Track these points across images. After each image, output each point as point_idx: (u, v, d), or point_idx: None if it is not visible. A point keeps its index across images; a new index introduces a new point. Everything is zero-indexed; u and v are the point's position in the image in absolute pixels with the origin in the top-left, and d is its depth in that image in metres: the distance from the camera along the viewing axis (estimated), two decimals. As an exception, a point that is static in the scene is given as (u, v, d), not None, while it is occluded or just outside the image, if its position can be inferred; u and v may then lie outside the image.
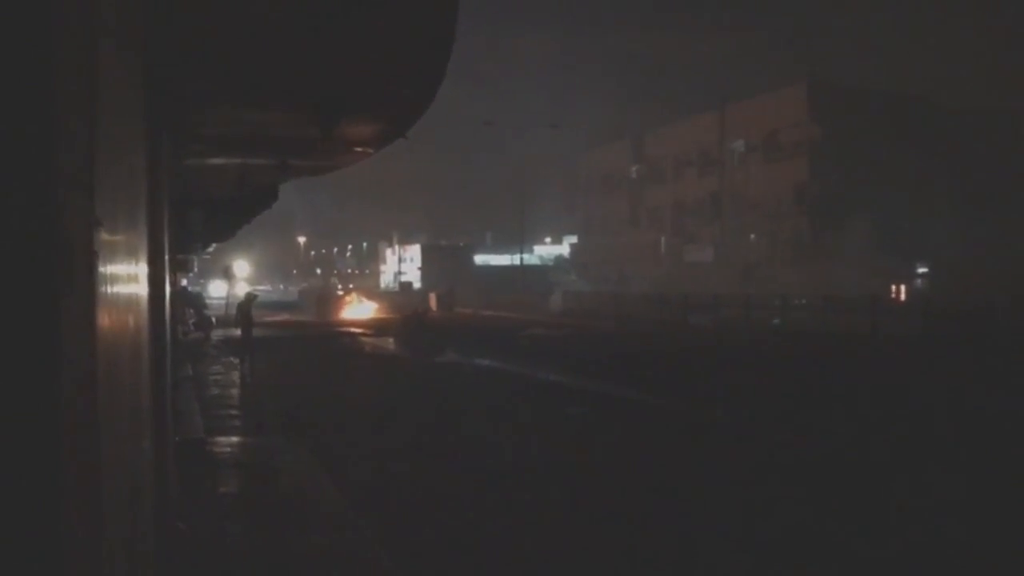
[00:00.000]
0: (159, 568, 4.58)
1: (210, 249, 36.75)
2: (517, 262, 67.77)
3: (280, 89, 5.23)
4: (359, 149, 7.43)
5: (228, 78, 4.93)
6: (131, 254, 2.49)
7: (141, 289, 2.79)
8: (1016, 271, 28.91)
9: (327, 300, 52.23)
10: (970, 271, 32.53)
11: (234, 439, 12.05)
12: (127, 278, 2.25)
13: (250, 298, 22.30)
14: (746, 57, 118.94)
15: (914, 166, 43.84)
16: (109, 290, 1.92)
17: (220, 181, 10.30)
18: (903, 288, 39.88)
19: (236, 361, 22.03)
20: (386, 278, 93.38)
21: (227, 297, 38.78)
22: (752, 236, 53.33)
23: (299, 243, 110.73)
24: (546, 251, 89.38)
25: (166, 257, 5.46)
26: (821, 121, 47.36)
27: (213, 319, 34.03)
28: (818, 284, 36.43)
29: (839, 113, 46.73)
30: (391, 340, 30.53)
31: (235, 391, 17.36)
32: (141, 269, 2.85)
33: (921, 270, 43.34)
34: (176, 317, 16.59)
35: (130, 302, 2.47)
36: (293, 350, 27.00)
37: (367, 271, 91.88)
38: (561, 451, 11.37)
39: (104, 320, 1.83)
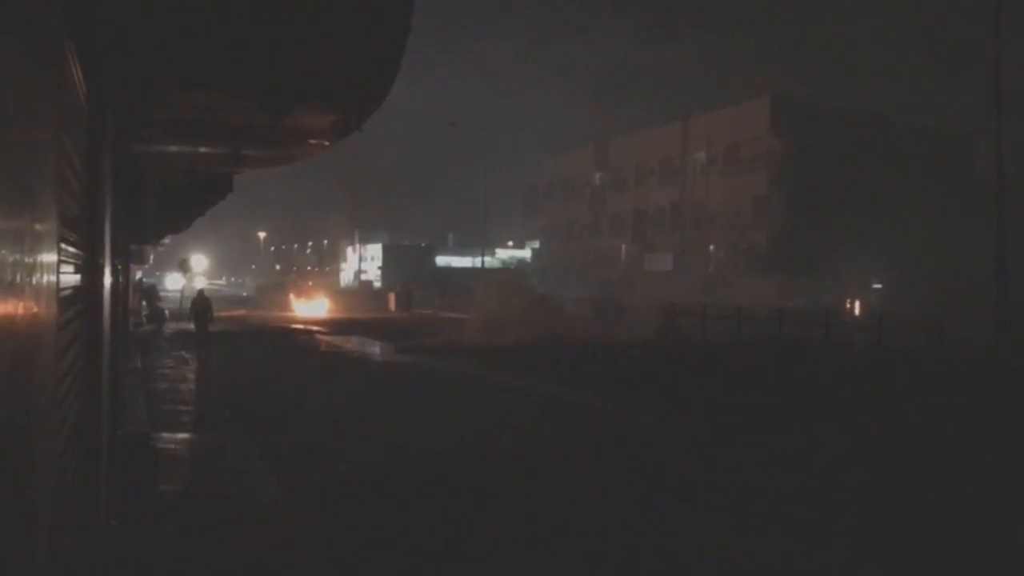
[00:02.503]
0: (85, 565, 4.37)
1: (166, 241, 36.19)
2: (479, 264, 67.64)
3: (227, 71, 5.04)
4: (314, 141, 7.24)
5: (172, 57, 4.74)
6: (38, 241, 2.30)
7: (50, 278, 2.59)
8: (968, 287, 29.40)
9: (282, 296, 51.73)
10: (923, 286, 33.05)
11: (181, 435, 11.78)
12: (28, 266, 2.07)
13: (203, 293, 21.95)
14: (712, 69, 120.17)
15: (871, 182, 44.54)
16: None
17: (173, 169, 10.02)
18: (857, 303, 40.39)
19: (188, 355, 21.65)
20: (347, 276, 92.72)
21: (182, 290, 38.17)
22: (711, 247, 53.81)
23: (259, 238, 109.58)
24: (509, 255, 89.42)
25: (107, 246, 5.24)
26: (782, 135, 47.98)
27: (166, 312, 33.51)
28: (774, 296, 36.80)
29: (800, 128, 47.38)
30: (342, 338, 30.34)
31: (185, 385, 17.01)
32: (51, 257, 2.65)
33: (876, 285, 43.99)
34: (127, 309, 16.23)
35: (39, 291, 2.28)
36: (246, 345, 26.63)
37: (327, 269, 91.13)
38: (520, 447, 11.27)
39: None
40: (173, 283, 60.70)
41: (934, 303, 28.01)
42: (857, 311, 39.08)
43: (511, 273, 48.95)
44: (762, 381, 18.42)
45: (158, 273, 70.29)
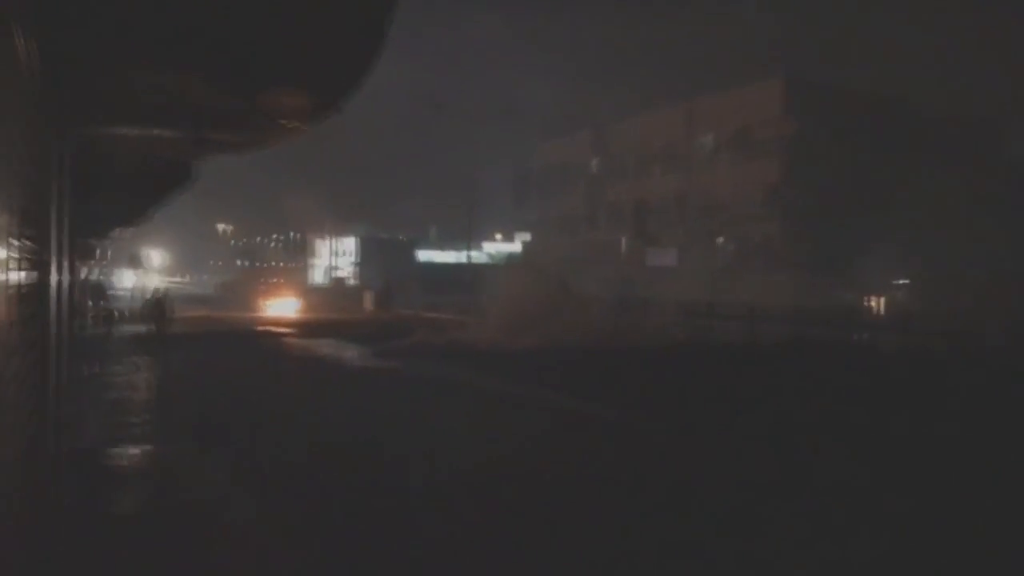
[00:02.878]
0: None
1: (118, 234, 35.92)
2: (464, 260, 67.55)
3: (194, 47, 4.93)
4: (289, 124, 7.13)
5: (132, 31, 4.63)
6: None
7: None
8: (1000, 284, 29.50)
9: (247, 294, 51.59)
10: (950, 284, 33.15)
11: (136, 450, 11.65)
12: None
13: (161, 292, 21.78)
14: (720, 49, 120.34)
15: (893, 170, 44.66)
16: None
17: (129, 155, 9.90)
18: (881, 301, 40.50)
19: (142, 361, 21.50)
20: (318, 273, 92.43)
21: (135, 288, 37.94)
22: (719, 240, 53.88)
23: (221, 231, 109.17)
24: (497, 249, 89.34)
25: (53, 240, 5.13)
26: (796, 119, 48.02)
27: (117, 313, 33.30)
28: (788, 294, 36.85)
29: (816, 112, 47.44)
30: (315, 341, 30.23)
31: (140, 395, 16.87)
32: None
33: (899, 281, 44.10)
34: (73, 310, 16.08)
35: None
36: (207, 349, 26.47)
37: (293, 264, 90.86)
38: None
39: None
40: (126, 281, 60.41)
41: (965, 301, 28.08)
42: (881, 309, 39.27)
43: (529, 260, 48.23)
44: (863, 395, 18.08)
45: (109, 270, 69.93)
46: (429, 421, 14.70)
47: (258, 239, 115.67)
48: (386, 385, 19.69)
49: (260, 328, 36.49)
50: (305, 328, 36.67)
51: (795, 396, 17.79)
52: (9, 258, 3.44)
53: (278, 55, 5.02)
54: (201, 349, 26.30)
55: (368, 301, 53.13)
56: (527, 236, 78.42)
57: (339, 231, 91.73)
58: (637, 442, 13.28)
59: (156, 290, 22.03)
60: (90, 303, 32.63)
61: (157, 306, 20.96)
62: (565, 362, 23.23)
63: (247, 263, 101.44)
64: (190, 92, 5.92)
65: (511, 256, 77.45)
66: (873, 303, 40.15)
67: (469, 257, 65.51)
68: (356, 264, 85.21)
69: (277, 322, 40.15)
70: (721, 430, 14.17)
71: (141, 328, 26.18)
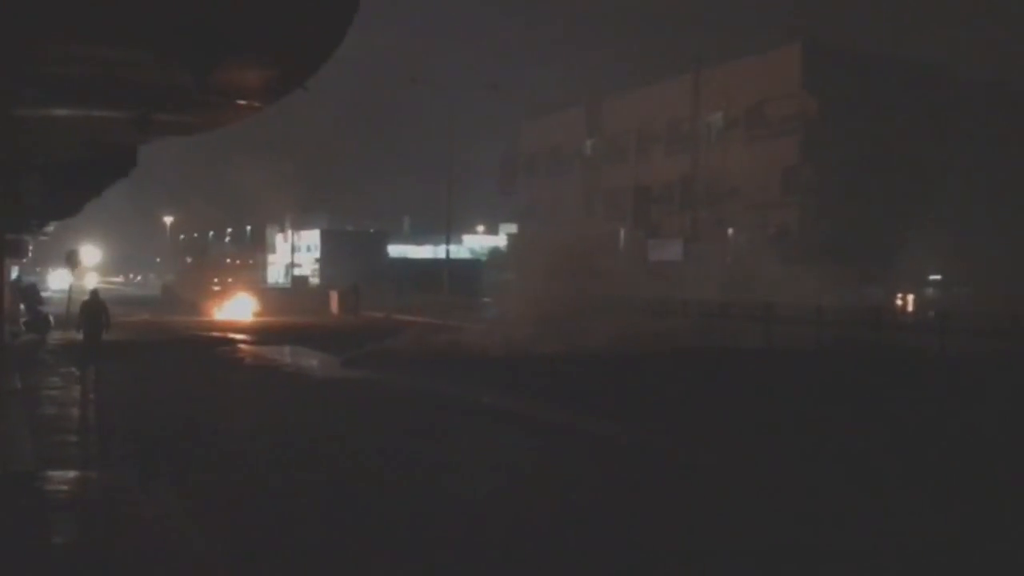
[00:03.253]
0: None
1: (50, 228, 35.79)
2: (442, 255, 67.45)
3: (140, 17, 4.91)
4: (244, 103, 7.11)
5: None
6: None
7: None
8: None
9: (195, 296, 51.49)
10: (997, 277, 33.33)
11: (75, 473, 11.66)
12: None
13: (97, 295, 21.53)
14: (730, 11, 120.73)
15: (927, 148, 44.85)
16: None
17: (64, 140, 9.87)
18: (911, 298, 40.74)
19: (80, 372, 21.42)
20: (276, 271, 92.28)
21: (70, 290, 37.75)
22: (730, 230, 54.01)
23: (165, 224, 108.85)
24: (479, 242, 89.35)
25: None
26: (817, 91, 48.10)
27: (51, 317, 33.15)
28: (808, 291, 37.01)
29: (839, 82, 47.52)
30: (273, 349, 30.22)
31: (78, 410, 16.84)
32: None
33: (933, 277, 44.34)
34: (2, 314, 16.04)
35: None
36: (151, 360, 26.40)
37: (248, 261, 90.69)
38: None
39: None
40: (59, 281, 60.19)
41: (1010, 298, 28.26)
42: (911, 307, 39.51)
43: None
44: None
45: (39, 269, 69.67)
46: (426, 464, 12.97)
47: (210, 233, 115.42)
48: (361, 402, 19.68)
49: (211, 334, 36.36)
50: (262, 334, 36.55)
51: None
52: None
53: (234, 22, 5.00)
54: (145, 360, 26.21)
55: (333, 303, 53.02)
56: (513, 228, 78.49)
57: (300, 223, 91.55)
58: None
59: (94, 292, 21.83)
60: (22, 307, 32.48)
61: (92, 311, 20.73)
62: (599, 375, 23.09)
63: (195, 260, 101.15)
64: (135, 68, 5.90)
65: (492, 251, 77.55)
66: (901, 301, 40.36)
67: (448, 252, 65.37)
68: (319, 260, 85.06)
69: (230, 327, 40.00)
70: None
71: (76, 335, 26.10)
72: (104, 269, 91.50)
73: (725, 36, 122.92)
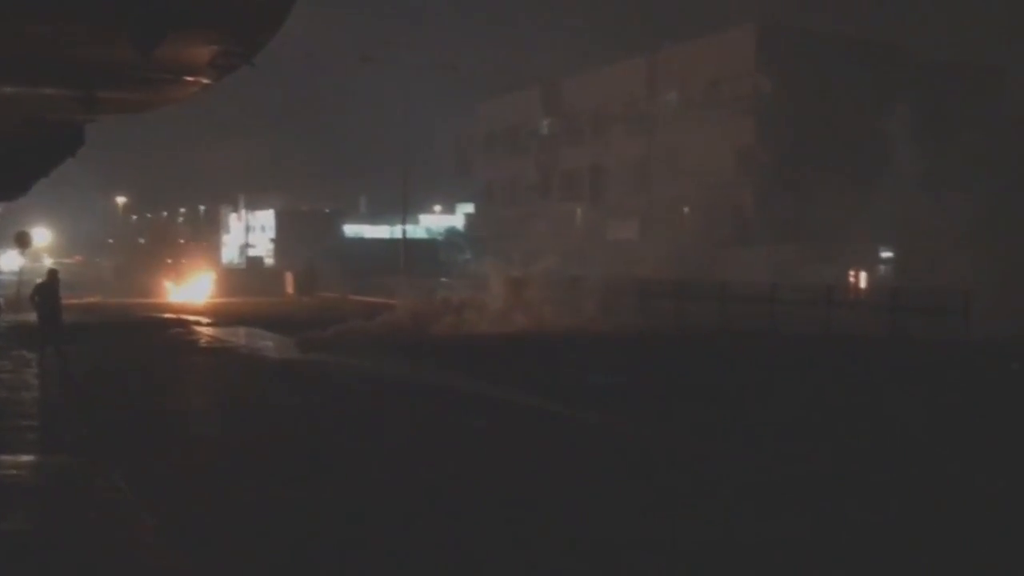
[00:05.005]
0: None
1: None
2: (398, 235, 67.23)
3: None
4: (191, 78, 7.00)
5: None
6: None
7: None
8: (999, 251, 30.04)
9: (147, 277, 51.07)
10: (945, 255, 33.70)
11: (25, 458, 11.54)
12: None
13: (54, 275, 21.11)
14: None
15: (880, 128, 45.22)
16: None
17: (6, 117, 9.67)
18: (863, 275, 41.16)
19: (31, 355, 21.15)
20: (230, 252, 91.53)
21: (20, 272, 37.29)
22: (686, 209, 54.20)
23: (117, 204, 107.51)
24: (436, 222, 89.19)
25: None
26: (771, 71, 48.34)
27: (2, 300, 32.81)
28: (763, 269, 37.25)
29: (793, 62, 47.78)
30: (228, 330, 30.10)
31: (30, 394, 16.65)
32: None
33: (885, 254, 44.79)
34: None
35: None
36: (103, 342, 26.15)
37: (202, 242, 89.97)
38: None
39: None
40: (8, 263, 59.37)
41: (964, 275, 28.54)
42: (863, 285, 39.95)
43: None
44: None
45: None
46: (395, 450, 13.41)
47: (163, 214, 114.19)
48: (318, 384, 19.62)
49: (164, 316, 36.05)
50: (217, 315, 36.31)
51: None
52: None
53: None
54: (98, 342, 25.93)
55: (288, 283, 52.81)
56: (469, 207, 78.35)
57: (254, 203, 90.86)
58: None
59: (52, 272, 21.41)
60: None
61: (47, 291, 20.35)
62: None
63: (148, 241, 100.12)
64: (77, 43, 5.76)
65: (449, 230, 77.37)
66: (853, 278, 40.78)
67: (404, 232, 65.15)
68: (274, 241, 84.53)
69: (183, 309, 39.70)
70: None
71: (27, 318, 25.79)
72: (56, 250, 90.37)
73: (681, 16, 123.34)
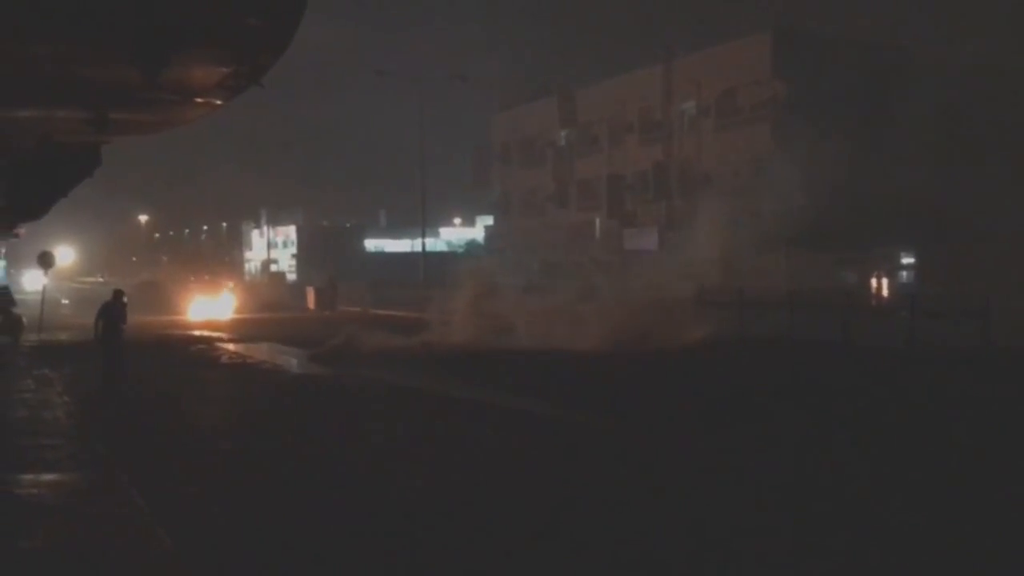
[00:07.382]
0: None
1: (21, 230, 35.56)
2: (419, 248, 67.41)
3: (83, 13, 4.84)
4: (201, 100, 7.04)
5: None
6: None
7: None
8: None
9: (170, 295, 51.32)
10: (969, 261, 33.38)
11: (46, 476, 11.54)
12: None
13: (119, 296, 20.57)
14: (700, 1, 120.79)
15: (900, 134, 44.95)
16: None
17: (22, 139, 9.75)
18: (884, 282, 40.90)
19: (53, 374, 21.25)
20: (253, 267, 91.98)
21: (44, 291, 37.51)
22: (704, 218, 53.94)
23: (140, 223, 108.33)
24: (456, 234, 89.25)
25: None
26: (788, 78, 48.16)
27: (24, 320, 32.95)
28: (782, 276, 37.07)
29: (810, 68, 47.59)
30: (251, 347, 30.20)
31: (51, 413, 16.69)
32: None
33: (906, 260, 44.51)
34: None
35: None
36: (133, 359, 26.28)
37: (224, 259, 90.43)
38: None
39: None
40: (31, 283, 59.77)
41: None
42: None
43: None
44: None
45: (12, 271, 69.20)
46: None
47: (185, 232, 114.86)
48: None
49: (187, 333, 36.18)
50: (239, 331, 36.45)
51: None
52: None
53: (185, 18, 4.93)
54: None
55: (310, 298, 53.00)
56: (488, 219, 78.32)
57: (276, 219, 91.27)
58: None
59: (118, 292, 20.63)
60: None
61: (112, 314, 19.72)
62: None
63: (171, 259, 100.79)
64: (86, 66, 5.81)
65: (469, 243, 77.32)
66: (875, 285, 40.51)
67: (424, 245, 65.31)
68: (296, 256, 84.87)
69: (206, 325, 39.84)
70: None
71: (51, 338, 25.93)
72: (79, 270, 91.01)
73: (696, 24, 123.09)
